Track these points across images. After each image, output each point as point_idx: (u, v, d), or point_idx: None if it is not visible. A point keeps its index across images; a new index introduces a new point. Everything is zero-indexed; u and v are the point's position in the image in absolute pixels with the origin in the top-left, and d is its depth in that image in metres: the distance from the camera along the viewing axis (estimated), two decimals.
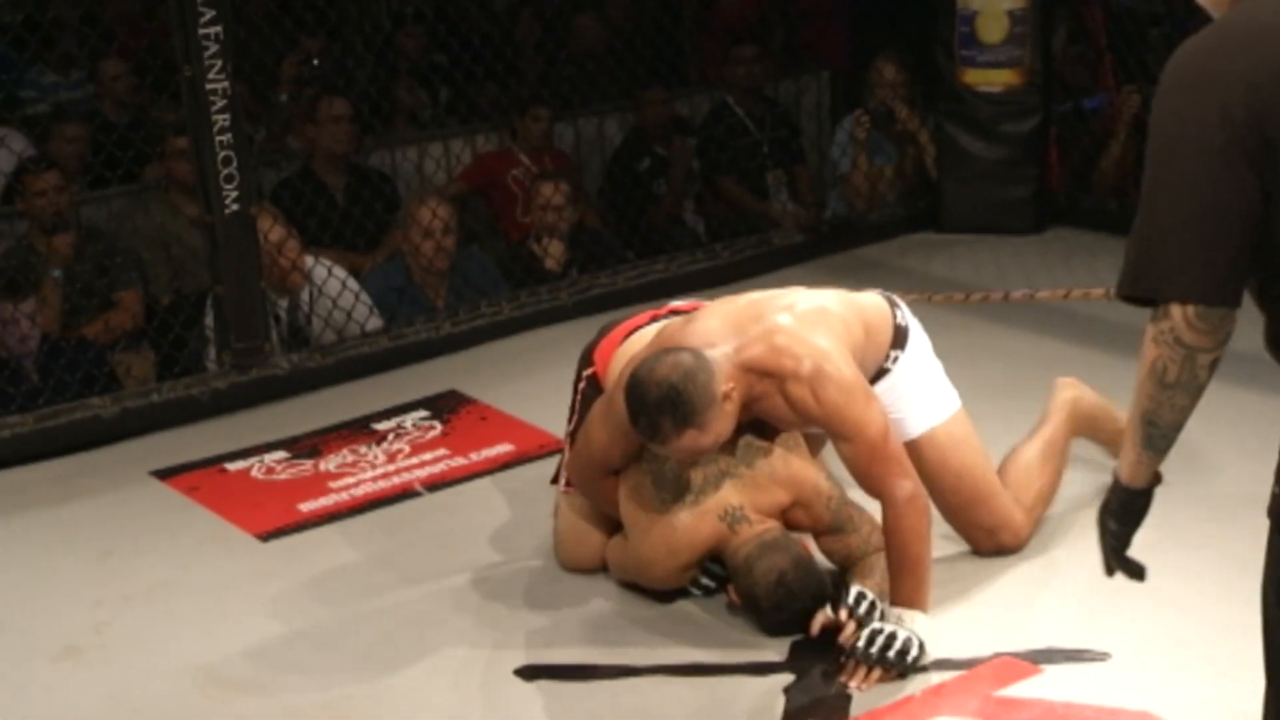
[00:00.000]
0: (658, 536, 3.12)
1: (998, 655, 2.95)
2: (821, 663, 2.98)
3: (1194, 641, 2.96)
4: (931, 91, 5.92)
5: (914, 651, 2.88)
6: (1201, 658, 2.90)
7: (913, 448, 3.18)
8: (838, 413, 2.95)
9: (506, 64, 6.32)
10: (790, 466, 3.13)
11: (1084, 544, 3.36)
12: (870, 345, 3.18)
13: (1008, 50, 5.65)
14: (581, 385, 3.47)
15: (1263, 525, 3.35)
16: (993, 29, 5.63)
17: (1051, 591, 3.19)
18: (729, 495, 3.09)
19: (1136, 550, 3.29)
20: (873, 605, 2.97)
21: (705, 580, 3.21)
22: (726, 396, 2.92)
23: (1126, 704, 2.77)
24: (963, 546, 3.38)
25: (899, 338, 3.25)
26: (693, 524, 3.10)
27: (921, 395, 3.27)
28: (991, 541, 3.33)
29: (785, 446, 3.15)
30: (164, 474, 4.13)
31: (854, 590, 2.99)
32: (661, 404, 2.87)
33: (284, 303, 4.84)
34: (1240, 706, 2.73)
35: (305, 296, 4.86)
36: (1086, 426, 3.57)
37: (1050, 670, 2.90)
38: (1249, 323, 4.35)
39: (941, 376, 3.33)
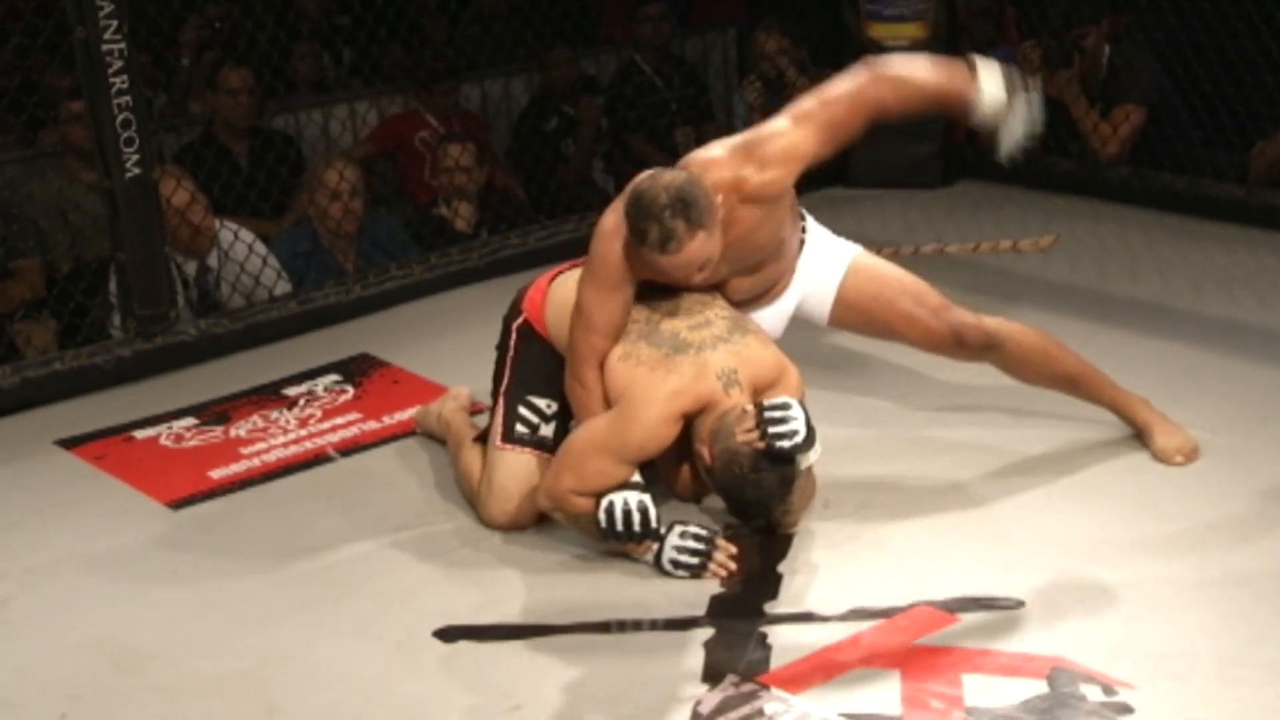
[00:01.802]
0: (660, 380, 3.12)
1: (915, 605, 2.98)
2: (741, 616, 2.99)
3: (1105, 588, 3.00)
4: (837, 47, 5.92)
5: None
6: (1112, 604, 2.94)
7: (848, 278, 3.42)
8: (782, 151, 3.18)
9: (411, 25, 6.24)
10: (776, 351, 3.24)
11: (995, 496, 3.41)
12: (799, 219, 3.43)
13: (913, 4, 5.67)
14: (514, 338, 3.45)
15: (1170, 473, 3.44)
16: None
17: (967, 542, 3.22)
18: (725, 358, 3.15)
19: (1040, 496, 3.37)
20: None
21: (687, 558, 3.14)
22: (719, 206, 3.10)
23: (1041, 650, 2.80)
24: (879, 488, 3.41)
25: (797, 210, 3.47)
26: (694, 372, 3.12)
27: (833, 242, 3.50)
28: (951, 321, 3.42)
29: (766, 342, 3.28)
30: (69, 443, 4.05)
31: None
32: (674, 204, 3.02)
33: (192, 266, 4.76)
34: (1150, 650, 2.79)
35: (213, 261, 4.78)
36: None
37: (966, 619, 2.93)
38: (1154, 275, 4.38)
39: (830, 233, 3.55)
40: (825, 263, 3.47)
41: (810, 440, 3.07)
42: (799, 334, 3.60)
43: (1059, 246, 4.67)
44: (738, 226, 3.20)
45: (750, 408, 3.09)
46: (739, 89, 6.11)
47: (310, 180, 5.11)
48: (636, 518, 3.11)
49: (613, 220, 3.21)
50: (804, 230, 3.47)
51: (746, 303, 3.41)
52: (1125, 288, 4.67)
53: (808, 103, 3.27)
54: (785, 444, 3.03)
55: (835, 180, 5.89)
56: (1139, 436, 3.54)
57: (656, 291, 3.27)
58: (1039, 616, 2.92)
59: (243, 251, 4.83)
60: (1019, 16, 6.00)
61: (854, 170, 5.88)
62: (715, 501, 3.33)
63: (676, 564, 3.14)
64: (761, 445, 3.03)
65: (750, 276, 3.36)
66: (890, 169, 5.82)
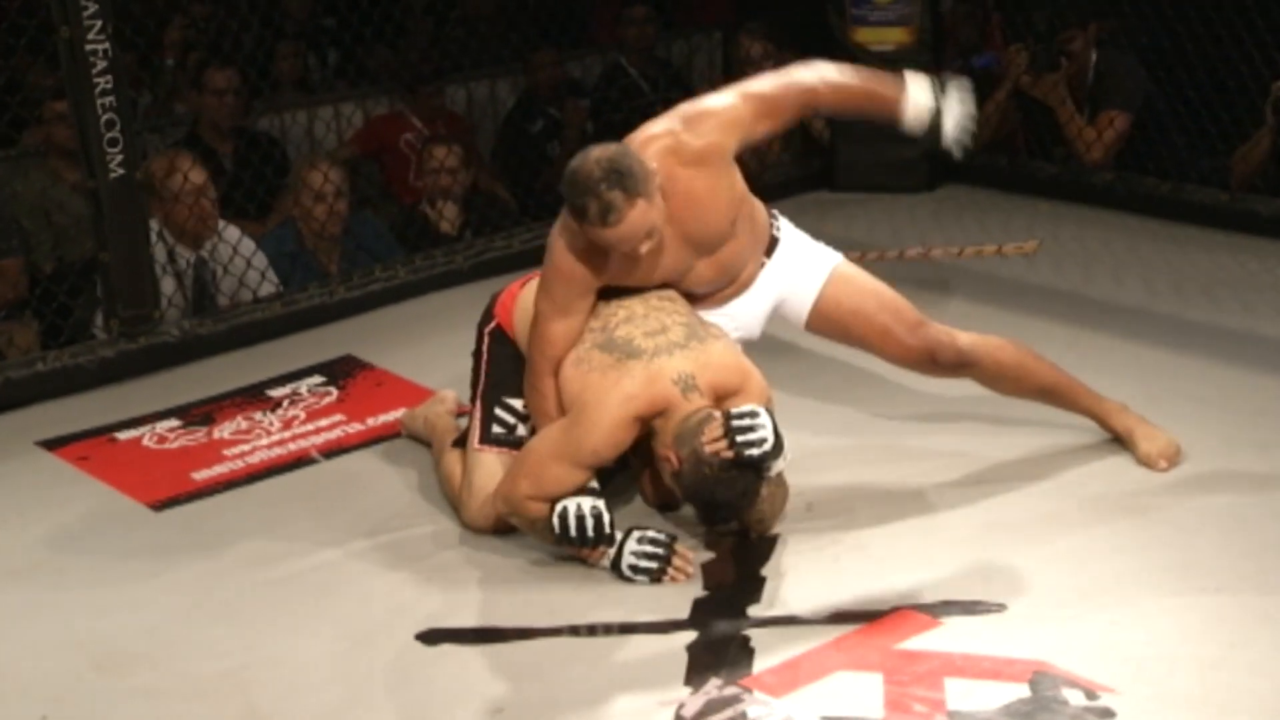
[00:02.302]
0: (612, 384, 3.11)
1: (897, 609, 2.98)
2: (724, 620, 2.99)
3: (1086, 592, 3.00)
4: (824, 51, 5.91)
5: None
6: (1094, 608, 2.95)
7: (828, 286, 3.42)
8: (719, 116, 3.24)
9: (396, 26, 6.24)
10: (739, 356, 3.22)
11: (977, 501, 3.41)
12: (757, 209, 3.41)
13: (898, 8, 5.67)
14: (486, 342, 3.47)
15: (1152, 477, 3.45)
16: None
17: (948, 546, 3.22)
18: (681, 363, 3.13)
19: (1023, 501, 3.37)
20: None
21: (646, 563, 3.13)
22: (655, 173, 3.10)
23: (1023, 654, 2.81)
24: (861, 494, 3.41)
25: (771, 210, 3.51)
26: (646, 376, 3.10)
27: (811, 248, 3.50)
28: (926, 338, 3.41)
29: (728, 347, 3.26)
30: (51, 444, 4.04)
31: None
32: (609, 175, 3.03)
33: (189, 258, 4.75)
34: (1132, 654, 2.79)
35: (210, 255, 4.77)
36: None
37: (949, 622, 2.93)
38: (1137, 280, 4.39)
39: (811, 240, 3.55)
40: (805, 267, 3.47)
41: (779, 447, 3.05)
42: (779, 340, 3.60)
43: (1043, 251, 4.68)
44: (681, 193, 3.19)
45: (717, 414, 3.07)
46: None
47: (295, 181, 5.10)
48: (590, 523, 3.10)
49: (561, 236, 3.23)
50: (776, 229, 3.47)
51: (714, 295, 3.40)
52: (1109, 292, 4.68)
53: (753, 82, 3.35)
54: (754, 452, 3.01)
55: (821, 184, 5.90)
56: (1121, 442, 3.54)
57: (614, 298, 3.27)
58: (1021, 620, 2.92)
59: (246, 247, 4.83)
60: (1004, 21, 6.02)
61: (840, 174, 5.89)
62: (680, 525, 3.33)
63: (635, 569, 3.13)
64: (730, 455, 3.01)
65: (711, 259, 3.33)
66: (876, 173, 5.83)
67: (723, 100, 3.29)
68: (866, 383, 3.97)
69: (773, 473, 3.10)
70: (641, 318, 3.23)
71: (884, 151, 5.79)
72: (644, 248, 3.14)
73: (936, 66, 5.74)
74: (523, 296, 3.44)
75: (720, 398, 3.15)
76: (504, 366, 3.42)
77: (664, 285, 3.33)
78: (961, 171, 5.81)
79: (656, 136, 3.24)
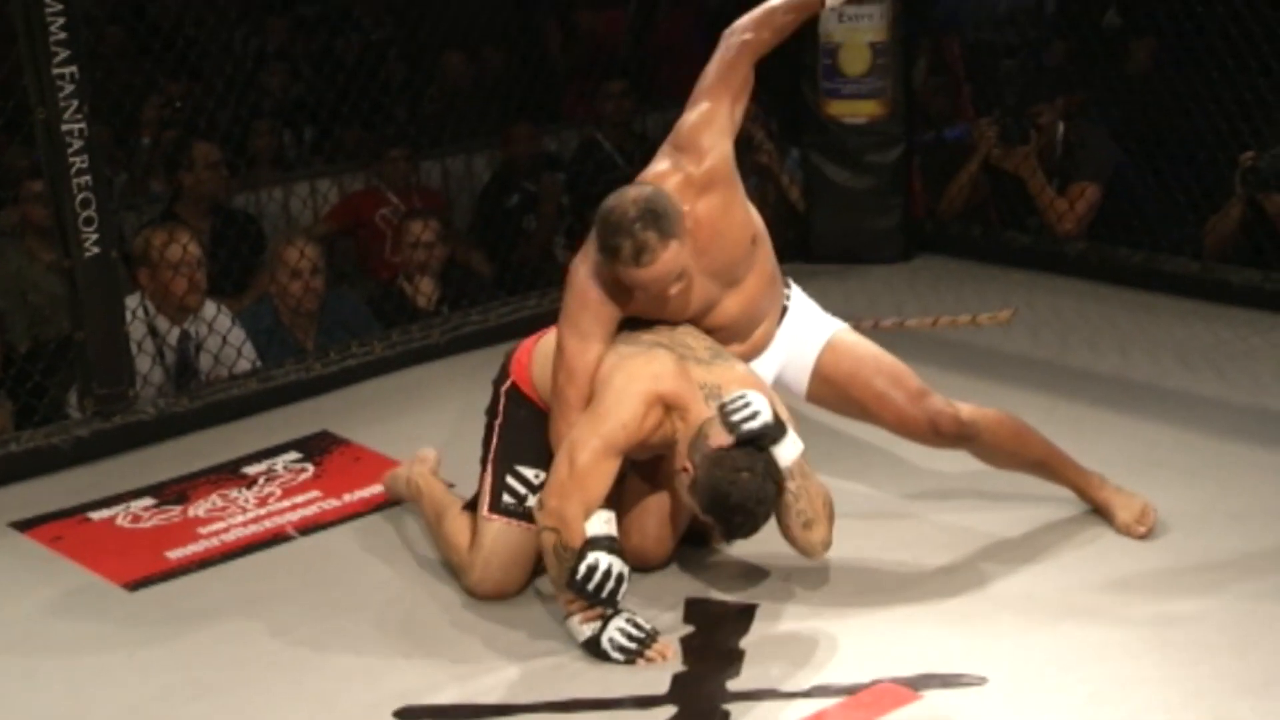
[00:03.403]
0: (642, 363, 3.12)
1: (877, 681, 2.97)
2: (704, 694, 2.97)
3: (1067, 664, 2.99)
4: (797, 123, 5.97)
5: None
6: (1075, 680, 2.94)
7: (826, 352, 3.44)
8: (710, 124, 3.34)
9: (372, 103, 6.28)
10: (757, 381, 3.22)
11: (959, 570, 3.41)
12: (772, 253, 3.47)
13: (870, 82, 5.73)
14: (503, 402, 3.46)
15: (1132, 547, 3.45)
16: (855, 61, 5.71)
17: (929, 617, 3.22)
18: (706, 374, 3.15)
19: (1003, 573, 3.37)
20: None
21: (627, 642, 3.09)
22: (684, 214, 3.14)
23: None
24: (840, 567, 3.40)
25: (784, 277, 3.55)
26: (676, 366, 3.12)
27: (817, 314, 3.55)
28: (928, 409, 3.40)
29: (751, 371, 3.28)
30: (24, 525, 4.01)
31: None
32: (644, 216, 3.07)
33: (174, 335, 4.74)
34: None
35: (193, 330, 4.77)
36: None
37: (929, 695, 2.92)
38: (1113, 349, 4.41)
39: (814, 305, 3.59)
40: (807, 332, 3.48)
41: (780, 427, 3.04)
42: None
43: (1019, 320, 4.70)
44: (704, 223, 3.23)
45: (714, 414, 3.06)
46: None
47: (271, 258, 5.11)
48: (610, 585, 3.06)
49: (584, 266, 3.25)
50: (787, 297, 3.50)
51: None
52: (1085, 361, 4.70)
53: (703, 80, 3.42)
54: (752, 424, 2.98)
55: (797, 254, 5.92)
56: (1099, 514, 3.54)
57: (639, 326, 3.29)
58: (1002, 693, 2.91)
59: (222, 324, 4.83)
60: (975, 94, 6.08)
61: (816, 244, 5.92)
62: (657, 586, 3.29)
63: (614, 644, 3.09)
64: (731, 438, 2.99)
65: (736, 291, 3.34)
66: (851, 243, 5.86)
67: (696, 112, 3.36)
68: (845, 454, 3.97)
69: (784, 459, 3.06)
70: (669, 333, 3.26)
71: (859, 222, 5.84)
72: (674, 289, 3.16)
73: (909, 138, 5.82)
74: (539, 349, 3.43)
75: None
76: (518, 430, 3.40)
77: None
78: (935, 241, 5.86)
79: (666, 174, 3.27)
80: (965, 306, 5.00)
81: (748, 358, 3.43)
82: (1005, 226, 5.74)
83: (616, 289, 3.23)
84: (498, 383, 3.51)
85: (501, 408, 3.46)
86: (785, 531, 3.18)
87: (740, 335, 3.42)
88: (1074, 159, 5.52)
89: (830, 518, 3.19)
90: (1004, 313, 4.65)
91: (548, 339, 3.44)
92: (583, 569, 3.06)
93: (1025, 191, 5.59)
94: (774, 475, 3.06)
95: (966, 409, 3.47)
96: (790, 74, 5.91)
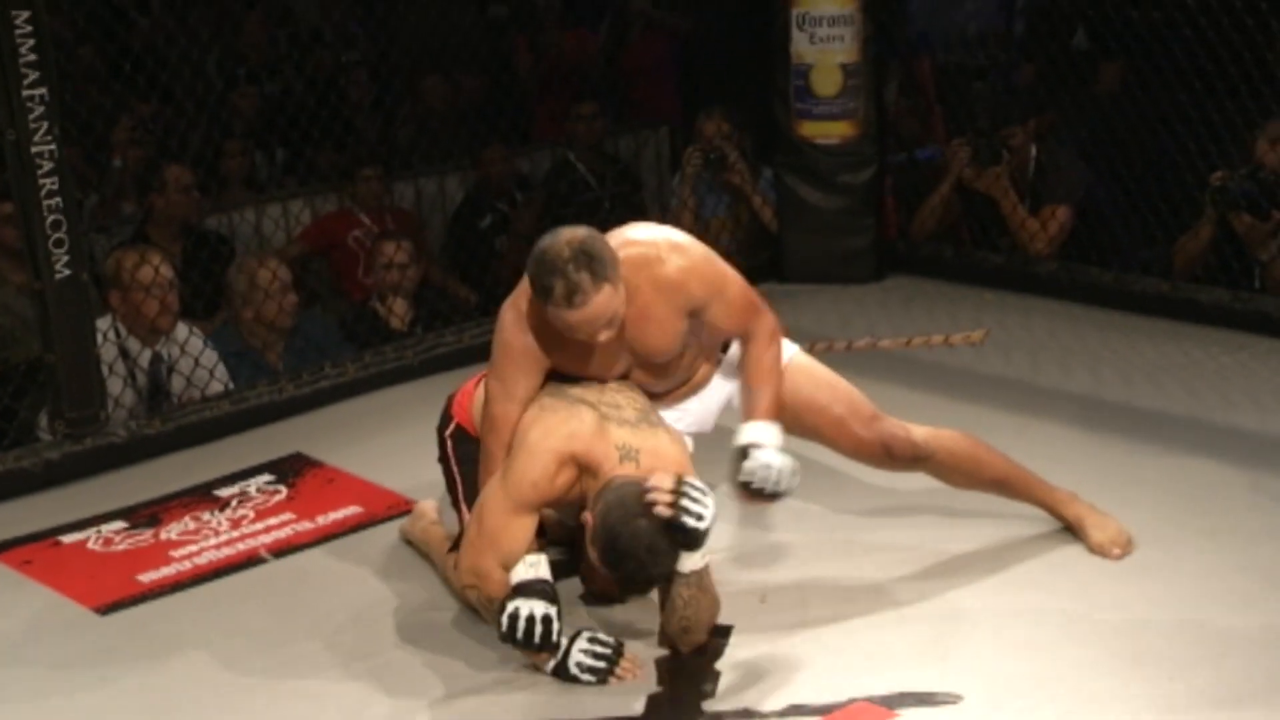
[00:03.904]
0: (560, 420, 3.09)
1: (853, 701, 2.97)
2: (679, 716, 2.96)
3: (1042, 682, 3.00)
4: (769, 144, 5.99)
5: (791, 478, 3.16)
6: (1049, 698, 2.94)
7: (786, 376, 3.37)
8: (706, 277, 3.21)
9: (345, 124, 6.27)
10: (683, 453, 3.18)
11: (933, 590, 3.41)
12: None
13: (842, 102, 5.75)
14: (450, 446, 3.46)
15: (1106, 565, 3.46)
16: (826, 82, 5.73)
17: (904, 637, 3.22)
18: (629, 436, 3.11)
19: (978, 592, 3.37)
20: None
21: (594, 662, 3.09)
22: (620, 264, 3.09)
23: None
24: (815, 588, 3.40)
25: None
26: (595, 426, 3.09)
27: None
28: (881, 432, 3.41)
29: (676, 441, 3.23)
30: None
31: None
32: (577, 257, 3.01)
33: (146, 356, 4.72)
34: None
35: (165, 352, 4.75)
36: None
37: (905, 714, 2.92)
38: (1084, 368, 4.42)
39: None
40: None
41: (705, 538, 3.01)
42: (730, 431, 3.60)
43: (991, 340, 4.72)
44: (638, 306, 3.16)
45: (669, 476, 3.02)
46: (683, 161, 6.12)
47: (233, 280, 5.08)
48: (539, 629, 3.04)
49: (510, 312, 3.23)
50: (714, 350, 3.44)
51: (667, 394, 3.40)
52: (1057, 380, 4.72)
53: (747, 301, 3.32)
54: (689, 521, 2.95)
55: (770, 275, 5.94)
56: (1072, 531, 3.56)
57: (569, 380, 3.27)
58: (977, 712, 2.92)
59: (195, 346, 4.81)
60: (946, 116, 6.11)
61: (789, 265, 5.93)
62: (626, 614, 3.29)
63: (582, 666, 3.08)
64: (669, 512, 2.95)
65: (649, 370, 3.32)
66: (824, 263, 5.88)
67: (719, 269, 3.26)
68: (818, 475, 3.96)
69: (686, 568, 3.04)
70: (598, 391, 3.23)
71: (832, 242, 5.86)
72: (603, 335, 3.12)
73: (881, 158, 5.84)
74: (479, 392, 3.43)
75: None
76: (475, 464, 3.38)
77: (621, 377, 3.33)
78: (907, 262, 5.88)
79: (637, 243, 3.22)
80: (938, 326, 5.02)
81: (690, 394, 3.43)
82: (977, 247, 5.77)
83: (544, 338, 3.19)
84: (441, 428, 3.51)
85: (451, 451, 3.47)
86: (664, 624, 3.15)
87: (666, 389, 3.40)
88: (1045, 181, 5.55)
89: (710, 628, 3.18)
90: (976, 333, 4.67)
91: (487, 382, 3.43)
92: (504, 621, 3.05)
93: (997, 212, 5.62)
94: (670, 549, 3.00)
95: (920, 431, 3.47)
96: (762, 94, 5.94)
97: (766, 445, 3.19)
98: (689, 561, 3.05)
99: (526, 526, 3.10)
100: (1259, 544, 3.51)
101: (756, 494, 3.19)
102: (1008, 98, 5.90)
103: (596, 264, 3.02)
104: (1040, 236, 5.52)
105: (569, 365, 3.25)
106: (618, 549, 2.98)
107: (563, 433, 3.09)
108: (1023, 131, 5.55)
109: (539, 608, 3.05)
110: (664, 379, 3.35)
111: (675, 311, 3.21)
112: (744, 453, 3.19)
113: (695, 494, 2.99)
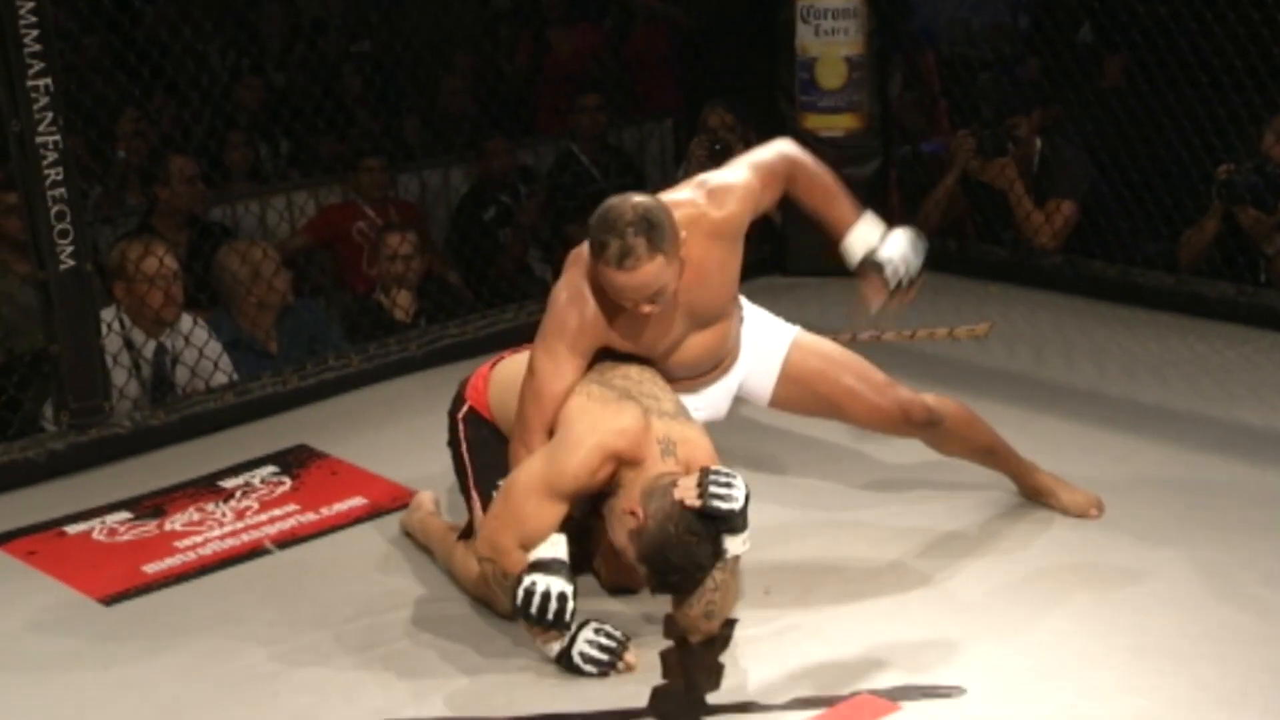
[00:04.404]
0: (611, 415, 3.08)
1: (857, 693, 2.97)
2: (683, 708, 2.96)
3: (1046, 674, 3.00)
4: (774, 137, 5.98)
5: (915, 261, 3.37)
6: (1054, 689, 2.95)
7: (792, 353, 3.46)
8: (735, 191, 3.28)
9: (348, 115, 6.28)
10: (711, 446, 3.17)
11: (936, 583, 3.41)
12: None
13: (847, 95, 5.75)
14: (463, 429, 3.45)
15: (1111, 550, 3.46)
16: (831, 75, 5.73)
17: (907, 628, 3.22)
18: (668, 428, 3.11)
19: (981, 582, 3.38)
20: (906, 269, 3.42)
21: (598, 654, 3.09)
22: (682, 239, 3.12)
23: None
24: (819, 580, 3.40)
25: None
26: (641, 421, 3.08)
27: (772, 322, 3.55)
28: (897, 398, 3.47)
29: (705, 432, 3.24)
30: None
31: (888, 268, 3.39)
32: (638, 222, 3.05)
33: (150, 347, 4.72)
34: None
35: (169, 343, 4.75)
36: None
37: (909, 706, 2.92)
38: (1088, 362, 4.40)
39: (767, 314, 3.60)
40: (767, 341, 3.49)
41: (744, 518, 3.00)
42: (734, 415, 3.61)
43: (995, 333, 4.72)
44: (694, 263, 3.22)
45: (695, 471, 3.03)
46: (688, 152, 6.13)
47: (226, 264, 5.08)
48: (554, 606, 3.03)
49: (565, 291, 3.23)
50: (740, 308, 3.49)
51: (697, 378, 3.41)
52: (1061, 374, 4.72)
53: (755, 154, 3.41)
54: (721, 505, 2.94)
55: (773, 268, 5.94)
56: (1041, 499, 3.65)
57: (610, 362, 3.28)
58: (981, 703, 2.92)
59: (199, 337, 4.81)
60: (951, 108, 6.10)
61: (792, 258, 5.93)
62: (629, 604, 3.29)
63: (587, 658, 3.09)
64: (698, 504, 2.94)
65: (704, 333, 3.34)
66: (827, 256, 5.80)
67: (737, 174, 3.34)
68: (820, 458, 3.97)
69: (731, 551, 3.03)
70: (637, 382, 3.23)
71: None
72: (648, 307, 3.14)
73: (885, 151, 5.84)
74: (496, 374, 3.43)
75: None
76: (487, 449, 3.38)
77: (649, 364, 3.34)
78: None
79: (679, 204, 3.25)
80: (942, 320, 5.01)
81: (716, 379, 3.45)
82: (982, 241, 5.77)
83: (597, 317, 3.21)
84: (453, 411, 3.50)
85: (463, 434, 3.46)
86: (684, 609, 3.11)
87: (702, 370, 3.42)
88: (1050, 176, 5.55)
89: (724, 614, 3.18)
90: (981, 326, 4.67)
91: (504, 365, 3.43)
92: (520, 594, 3.04)
93: (1002, 206, 5.62)
94: (717, 553, 3.00)
95: (929, 397, 3.55)
96: (766, 87, 5.93)
97: (880, 239, 3.41)
98: (734, 545, 3.02)
99: (555, 513, 3.09)
100: (1262, 538, 3.51)
101: (898, 287, 3.41)
102: (1012, 90, 5.89)
103: (656, 232, 3.07)
104: (1045, 230, 5.52)
105: (616, 341, 3.25)
106: (669, 563, 2.98)
107: (611, 428, 3.07)
108: (1027, 123, 5.54)
109: (556, 584, 3.04)
110: (705, 351, 3.38)
111: (730, 250, 3.29)
112: (872, 258, 3.41)
113: (722, 479, 2.99)
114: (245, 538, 3.91)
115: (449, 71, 6.93)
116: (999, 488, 3.69)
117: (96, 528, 4.03)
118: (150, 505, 4.14)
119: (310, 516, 4.01)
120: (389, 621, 3.40)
